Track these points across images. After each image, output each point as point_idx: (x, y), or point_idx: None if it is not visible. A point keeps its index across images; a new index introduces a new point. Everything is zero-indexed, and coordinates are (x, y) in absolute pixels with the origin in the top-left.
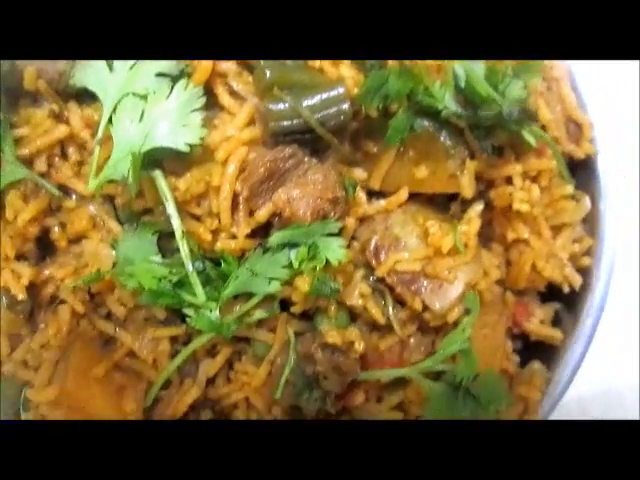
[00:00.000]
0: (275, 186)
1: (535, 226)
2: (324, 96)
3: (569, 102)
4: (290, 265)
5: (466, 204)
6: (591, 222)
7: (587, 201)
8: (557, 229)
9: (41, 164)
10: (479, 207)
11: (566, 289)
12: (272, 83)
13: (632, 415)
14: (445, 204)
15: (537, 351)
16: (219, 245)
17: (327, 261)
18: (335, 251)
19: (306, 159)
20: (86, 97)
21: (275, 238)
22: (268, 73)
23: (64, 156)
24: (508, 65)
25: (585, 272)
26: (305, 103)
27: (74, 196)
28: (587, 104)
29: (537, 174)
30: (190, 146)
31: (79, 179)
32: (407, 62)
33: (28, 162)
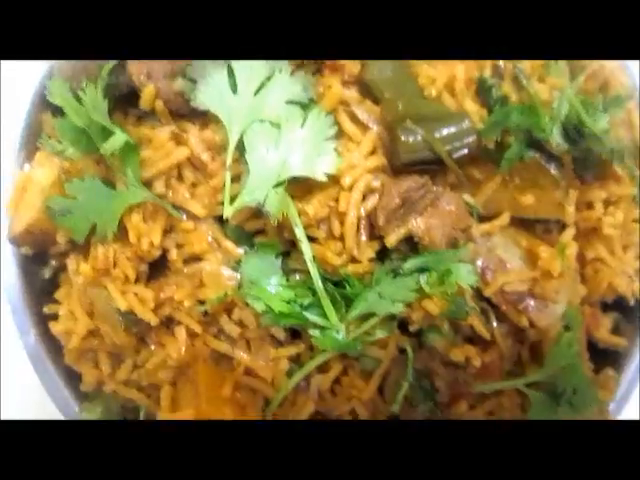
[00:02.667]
0: (405, 213)
1: (610, 246)
2: (452, 129)
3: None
4: (418, 290)
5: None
6: None
7: None
8: (625, 248)
9: (160, 186)
10: (572, 231)
11: (631, 302)
12: (404, 115)
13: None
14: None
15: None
16: (349, 269)
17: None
18: (466, 277)
19: (434, 188)
20: (197, 117)
21: (409, 264)
22: (400, 105)
23: (180, 178)
24: (599, 100)
25: None
26: (436, 135)
27: (184, 216)
28: None
29: (616, 199)
30: (327, 175)
31: (194, 200)
32: (527, 99)
33: (148, 184)
